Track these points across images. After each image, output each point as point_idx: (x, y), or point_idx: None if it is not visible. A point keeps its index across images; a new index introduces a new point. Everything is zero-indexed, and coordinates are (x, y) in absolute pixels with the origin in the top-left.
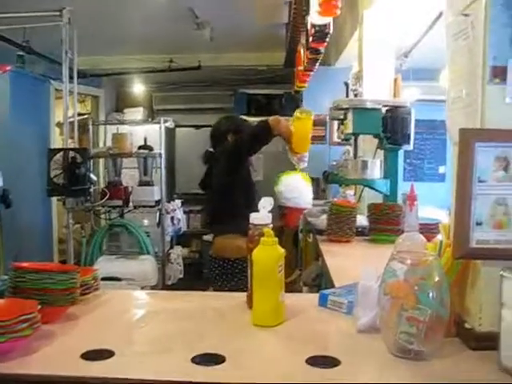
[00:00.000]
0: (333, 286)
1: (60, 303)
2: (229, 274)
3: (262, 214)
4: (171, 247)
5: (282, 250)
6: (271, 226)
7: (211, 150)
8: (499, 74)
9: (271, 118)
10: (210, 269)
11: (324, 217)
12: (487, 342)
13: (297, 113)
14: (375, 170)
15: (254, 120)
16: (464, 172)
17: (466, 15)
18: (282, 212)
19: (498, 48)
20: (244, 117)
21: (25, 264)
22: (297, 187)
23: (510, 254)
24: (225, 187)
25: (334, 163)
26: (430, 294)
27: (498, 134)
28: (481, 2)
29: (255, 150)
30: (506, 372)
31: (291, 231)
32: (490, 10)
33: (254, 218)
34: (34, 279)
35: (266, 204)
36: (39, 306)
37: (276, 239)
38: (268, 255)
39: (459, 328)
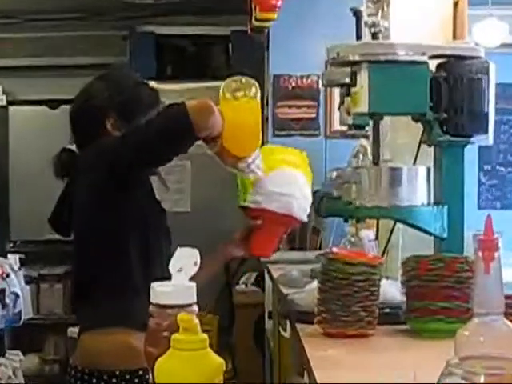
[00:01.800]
0: None
1: None
2: None
3: (177, 284)
4: (1, 353)
5: (219, 361)
6: (196, 308)
7: (72, 147)
8: None
9: (192, 103)
10: None
11: (314, 286)
12: None
13: (225, 89)
14: (418, 189)
15: (170, 89)
16: None
17: None
18: (248, 224)
19: None
20: (153, 83)
21: None
22: (291, 175)
23: None
24: (96, 228)
25: (335, 174)
26: None
27: None
28: None
29: (162, 160)
30: None
31: (252, 313)
32: None
33: (160, 292)
34: None
35: (184, 262)
36: None
37: (204, 337)
38: (188, 372)
39: None
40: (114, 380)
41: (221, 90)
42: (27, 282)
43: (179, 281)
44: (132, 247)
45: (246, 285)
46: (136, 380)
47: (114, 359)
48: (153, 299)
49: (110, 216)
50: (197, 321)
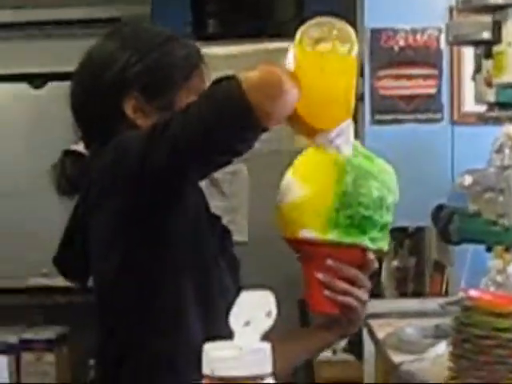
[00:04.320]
0: None
1: None
2: None
3: (243, 346)
4: None
5: None
6: (271, 382)
7: (78, 148)
8: None
9: (251, 76)
10: None
11: (441, 350)
12: None
13: (304, 37)
14: None
15: (212, 54)
16: None
17: None
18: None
19: None
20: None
21: None
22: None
23: None
24: (129, 272)
25: (470, 180)
26: None
27: None
28: None
29: (212, 165)
30: None
31: None
32: None
33: (216, 358)
34: None
35: (253, 312)
36: None
37: None
38: None
39: None
40: None
41: (297, 35)
42: (2, 352)
43: (245, 340)
44: (188, 296)
45: (334, 351)
46: None
47: None
48: (206, 369)
49: (149, 252)
50: None
